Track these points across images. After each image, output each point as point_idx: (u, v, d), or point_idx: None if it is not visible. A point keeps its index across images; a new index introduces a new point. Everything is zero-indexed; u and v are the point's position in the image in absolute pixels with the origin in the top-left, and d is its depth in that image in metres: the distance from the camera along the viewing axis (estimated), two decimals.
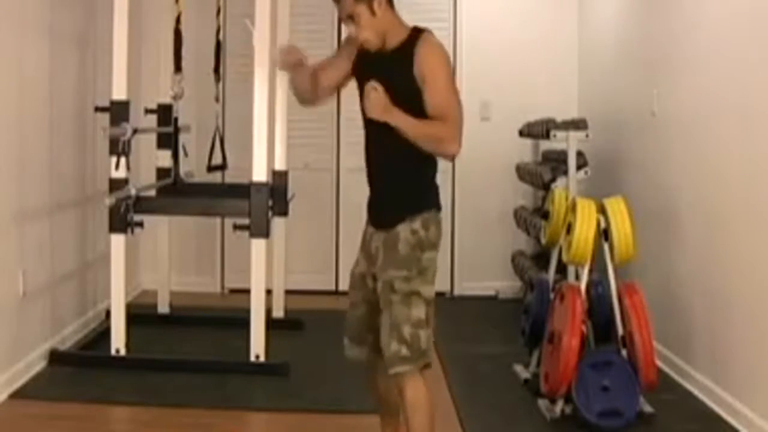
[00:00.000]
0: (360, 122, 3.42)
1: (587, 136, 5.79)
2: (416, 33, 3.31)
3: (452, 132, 3.22)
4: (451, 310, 6.82)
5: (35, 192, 5.06)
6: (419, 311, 3.24)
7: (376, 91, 3.16)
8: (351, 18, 3.26)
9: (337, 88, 3.58)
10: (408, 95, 3.21)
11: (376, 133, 3.30)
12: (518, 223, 6.77)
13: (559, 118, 6.30)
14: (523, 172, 6.69)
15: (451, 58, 7.04)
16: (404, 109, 3.19)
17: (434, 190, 3.39)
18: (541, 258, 6.16)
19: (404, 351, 3.21)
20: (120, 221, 5.09)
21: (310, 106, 3.60)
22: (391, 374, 3.26)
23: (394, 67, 3.25)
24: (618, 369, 4.30)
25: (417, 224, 3.27)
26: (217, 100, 6.17)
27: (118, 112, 5.06)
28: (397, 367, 3.23)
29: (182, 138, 6.15)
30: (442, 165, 3.42)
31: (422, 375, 3.28)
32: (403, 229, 3.27)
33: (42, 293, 5.13)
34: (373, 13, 3.23)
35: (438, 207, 3.37)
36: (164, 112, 6.08)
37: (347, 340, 3.49)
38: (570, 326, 4.25)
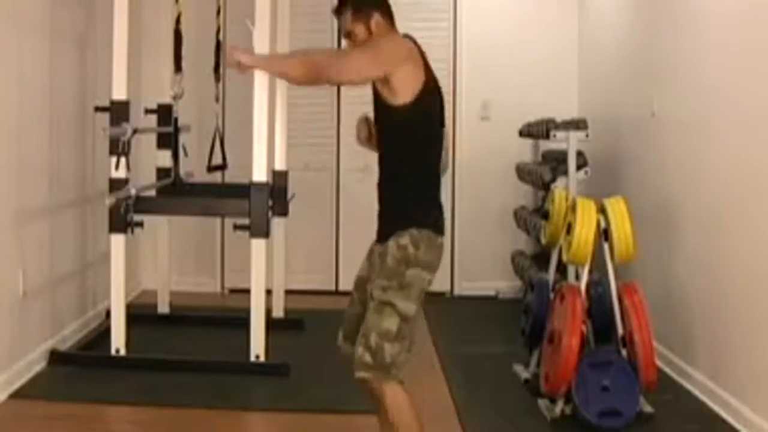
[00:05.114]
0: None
1: (587, 136, 5.78)
2: None
3: (325, 60, 3.34)
4: (451, 310, 6.83)
5: (35, 192, 5.06)
6: (390, 323, 3.23)
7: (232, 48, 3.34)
8: (349, 36, 3.35)
9: None
10: (386, 108, 3.25)
11: (380, 148, 3.37)
12: (518, 223, 6.77)
13: (559, 118, 6.30)
14: (523, 172, 6.69)
15: (451, 58, 7.19)
16: (388, 126, 3.27)
17: (429, 210, 3.35)
18: (541, 258, 6.16)
19: (367, 358, 3.23)
20: (120, 221, 5.09)
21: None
22: (356, 377, 3.28)
23: (377, 83, 3.29)
24: (618, 369, 4.30)
25: (405, 240, 3.27)
26: (217, 100, 6.17)
27: (118, 112, 5.07)
28: (361, 371, 3.26)
29: (182, 138, 6.16)
30: None
31: (398, 382, 3.27)
32: (392, 243, 3.29)
33: (42, 293, 5.13)
34: (369, 32, 3.30)
35: (435, 229, 3.32)
36: (164, 112, 6.08)
37: (341, 334, 3.53)
38: (570, 326, 4.25)
